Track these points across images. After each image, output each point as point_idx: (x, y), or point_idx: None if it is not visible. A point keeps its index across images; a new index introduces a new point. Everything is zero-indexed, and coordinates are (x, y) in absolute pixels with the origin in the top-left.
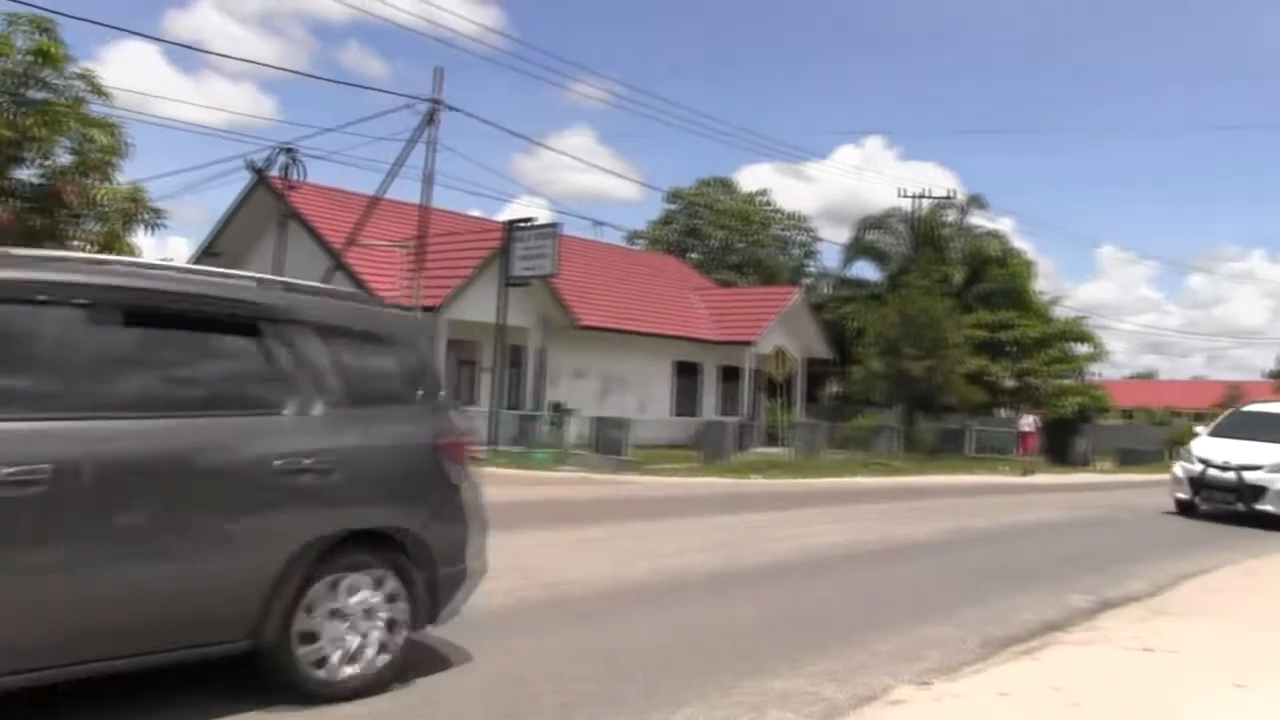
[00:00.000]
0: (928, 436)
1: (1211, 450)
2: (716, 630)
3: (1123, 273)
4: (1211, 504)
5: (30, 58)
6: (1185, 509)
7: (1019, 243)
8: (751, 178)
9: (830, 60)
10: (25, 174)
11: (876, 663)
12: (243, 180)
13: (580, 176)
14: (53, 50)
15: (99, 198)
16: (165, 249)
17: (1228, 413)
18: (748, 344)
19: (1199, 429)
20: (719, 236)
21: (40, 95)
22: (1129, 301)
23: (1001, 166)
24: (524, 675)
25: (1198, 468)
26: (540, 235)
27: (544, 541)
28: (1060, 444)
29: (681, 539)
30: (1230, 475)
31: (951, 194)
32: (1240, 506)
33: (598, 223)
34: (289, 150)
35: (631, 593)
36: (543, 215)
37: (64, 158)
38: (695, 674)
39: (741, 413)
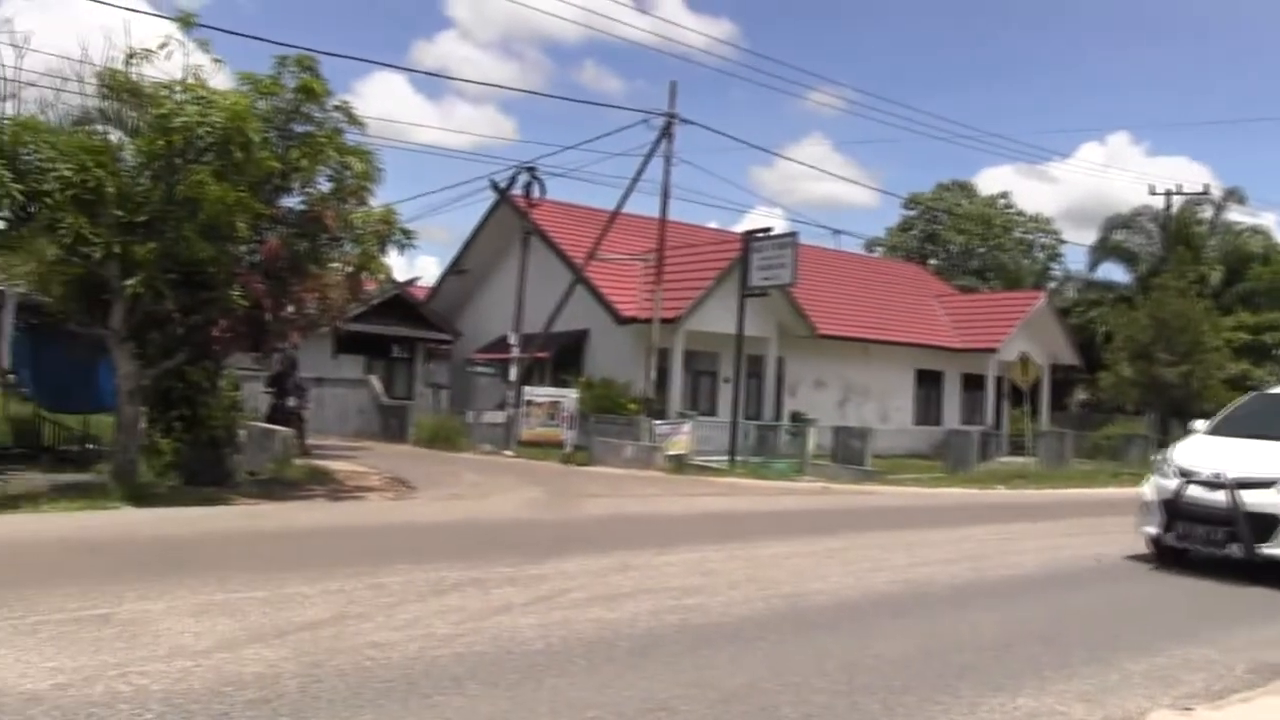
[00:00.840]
0: None
1: (1200, 456)
2: (960, 644)
3: None
4: (1190, 543)
5: (296, 95)
6: (1161, 553)
7: None
8: (991, 180)
9: (1070, 55)
10: (290, 202)
11: (1130, 684)
12: (486, 200)
13: (816, 185)
14: (315, 86)
15: (355, 221)
16: (414, 268)
17: (1241, 399)
18: (991, 351)
19: (1198, 423)
20: (959, 241)
21: (303, 128)
22: None
23: (1261, 158)
24: (763, 685)
25: (1173, 483)
26: (778, 245)
27: (784, 552)
28: None
29: (924, 550)
30: (1219, 497)
31: (1206, 189)
32: (1234, 550)
33: (836, 231)
34: (529, 169)
35: (873, 604)
36: (780, 225)
37: (324, 185)
38: (938, 688)
39: (985, 421)
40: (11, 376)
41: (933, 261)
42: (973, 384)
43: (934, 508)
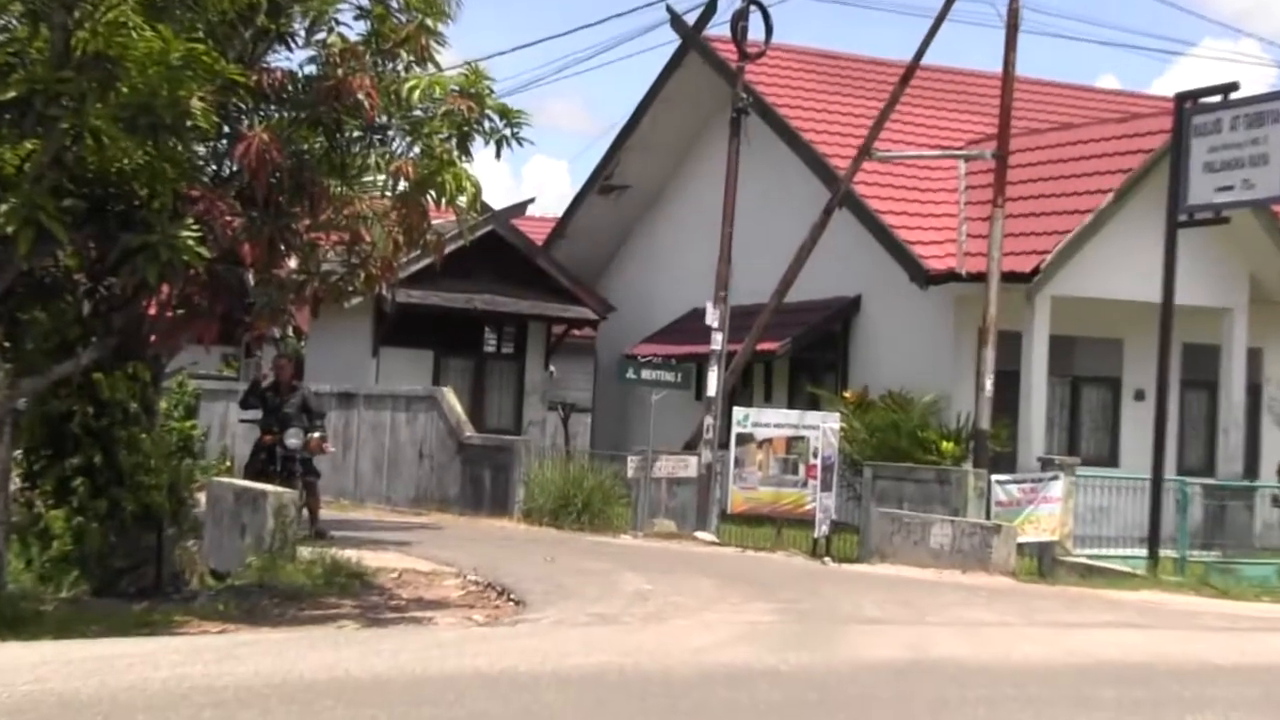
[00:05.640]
0: None
1: None
2: None
3: None
4: None
5: None
6: None
7: None
8: None
9: None
10: (289, 61)
11: None
12: (660, 49)
13: None
14: None
15: (409, 94)
16: (526, 184)
17: None
18: None
19: None
20: None
21: None
22: None
23: None
24: None
25: None
26: (1249, 120)
27: None
28: None
29: None
30: None
31: None
32: None
33: None
34: None
35: None
36: (1252, 80)
37: (350, 27)
38: None
39: None
40: None
41: None
42: None
43: None
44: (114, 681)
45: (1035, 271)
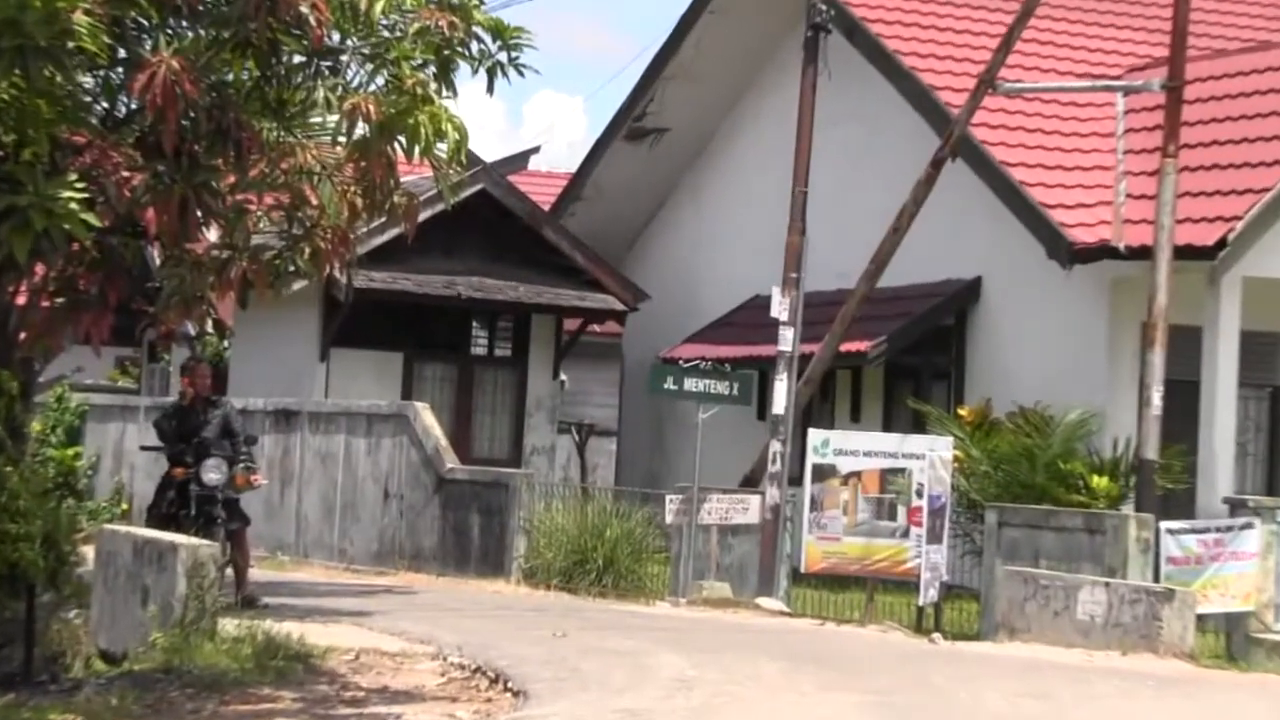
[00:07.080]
0: None
1: None
2: None
3: None
4: None
5: None
6: None
7: None
8: None
9: None
10: None
11: None
12: None
13: None
14: None
15: (370, 6)
16: (528, 127)
17: None
18: None
19: None
20: None
21: None
22: None
23: None
24: None
25: None
26: None
27: None
28: None
29: None
30: None
31: None
32: None
33: None
34: None
35: None
36: None
37: None
38: None
39: None
40: None
41: None
42: None
43: None
44: None
45: (1221, 244)
